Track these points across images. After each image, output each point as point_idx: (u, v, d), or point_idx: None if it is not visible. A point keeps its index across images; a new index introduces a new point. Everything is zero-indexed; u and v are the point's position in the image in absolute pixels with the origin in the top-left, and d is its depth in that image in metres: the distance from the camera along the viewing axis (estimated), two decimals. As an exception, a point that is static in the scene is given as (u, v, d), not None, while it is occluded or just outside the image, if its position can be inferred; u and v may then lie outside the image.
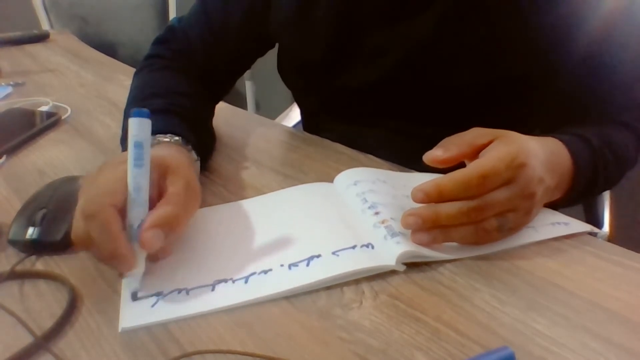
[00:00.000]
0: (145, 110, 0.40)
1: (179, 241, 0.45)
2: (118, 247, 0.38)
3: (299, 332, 0.36)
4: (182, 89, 0.64)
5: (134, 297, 0.39)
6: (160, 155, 0.44)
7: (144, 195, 0.40)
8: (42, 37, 1.32)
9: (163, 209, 0.40)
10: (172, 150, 0.49)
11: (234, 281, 0.41)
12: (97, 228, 0.38)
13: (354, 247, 0.43)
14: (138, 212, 0.40)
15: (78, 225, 0.39)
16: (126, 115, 0.62)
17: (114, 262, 0.39)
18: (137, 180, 0.40)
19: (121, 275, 0.41)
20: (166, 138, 0.51)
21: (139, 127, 0.40)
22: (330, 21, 0.63)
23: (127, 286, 0.40)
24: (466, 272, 0.42)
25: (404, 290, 0.40)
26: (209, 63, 0.70)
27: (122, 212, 0.40)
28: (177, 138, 0.52)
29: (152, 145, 0.46)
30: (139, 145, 0.40)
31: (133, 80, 0.70)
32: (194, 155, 0.54)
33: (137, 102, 0.61)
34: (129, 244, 0.39)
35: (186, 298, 0.40)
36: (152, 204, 0.41)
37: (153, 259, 0.42)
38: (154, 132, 0.51)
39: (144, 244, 0.39)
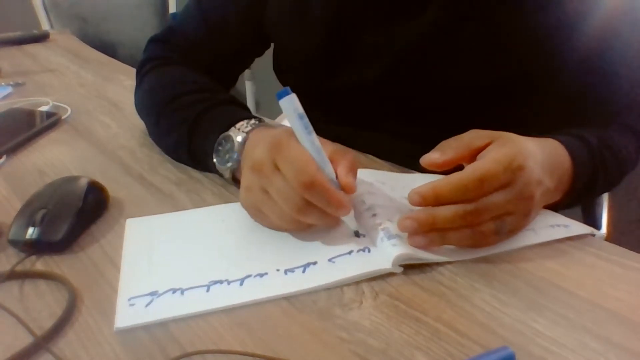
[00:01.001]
0: (287, 88, 0.44)
1: (175, 240, 0.46)
2: (340, 199, 0.42)
3: (299, 332, 0.36)
4: (209, 84, 0.66)
5: (358, 234, 0.45)
6: (280, 130, 0.47)
7: (325, 155, 0.45)
8: (42, 37, 1.32)
9: (344, 159, 0.46)
10: (271, 126, 0.53)
11: (229, 283, 0.41)
12: (318, 192, 0.41)
13: (350, 252, 0.44)
14: (328, 169, 0.45)
15: (297, 199, 0.42)
16: (170, 115, 0.62)
17: (337, 213, 0.43)
18: (316, 144, 0.44)
19: (337, 222, 0.46)
20: (254, 121, 0.54)
21: (293, 102, 0.44)
22: (326, 20, 0.63)
23: (349, 224, 0.46)
24: (466, 272, 0.42)
25: (404, 291, 0.40)
26: (210, 62, 0.70)
27: None
28: (257, 121, 0.55)
29: (252, 131, 0.52)
30: (302, 116, 0.44)
31: (143, 80, 0.69)
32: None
33: (181, 97, 0.62)
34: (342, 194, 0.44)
35: (181, 298, 0.40)
36: None
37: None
38: (237, 120, 0.54)
39: (350, 188, 0.44)
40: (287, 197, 0.42)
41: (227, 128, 0.54)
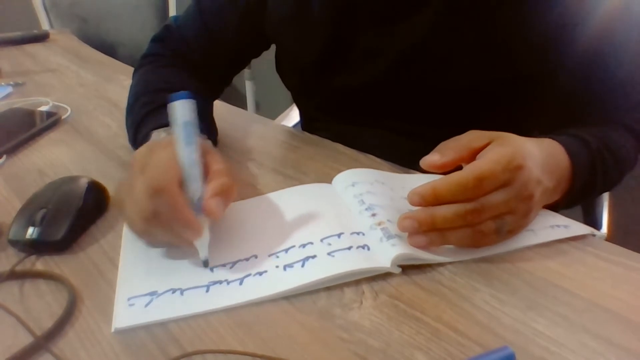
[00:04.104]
0: (185, 92, 0.42)
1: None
2: (187, 217, 0.40)
3: (299, 332, 0.37)
4: (186, 85, 0.65)
5: (207, 264, 0.42)
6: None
7: (199, 171, 0.43)
8: (42, 37, 1.32)
9: (218, 180, 0.43)
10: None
11: (228, 282, 0.41)
12: (165, 202, 0.40)
13: (349, 248, 0.43)
14: (196, 186, 0.42)
15: (144, 205, 0.41)
16: (131, 113, 0.63)
17: (182, 233, 0.41)
18: (191, 157, 0.42)
19: (189, 244, 0.42)
20: None
21: (184, 108, 0.42)
22: (325, 22, 0.63)
23: (200, 252, 0.42)
24: (466, 272, 0.42)
25: (404, 290, 0.40)
26: (205, 62, 0.71)
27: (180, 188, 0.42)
28: None
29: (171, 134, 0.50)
30: (187, 125, 0.42)
31: (133, 78, 0.71)
32: (209, 142, 0.55)
33: (143, 97, 0.63)
34: (194, 214, 0.41)
35: (180, 298, 0.40)
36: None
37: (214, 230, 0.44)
38: (167, 125, 0.53)
39: (209, 212, 0.41)
40: (138, 200, 0.41)
41: (155, 129, 0.55)
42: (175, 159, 0.42)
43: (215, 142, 0.66)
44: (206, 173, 0.44)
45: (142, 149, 0.45)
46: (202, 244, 0.42)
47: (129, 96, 0.67)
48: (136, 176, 0.42)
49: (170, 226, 0.41)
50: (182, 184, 0.42)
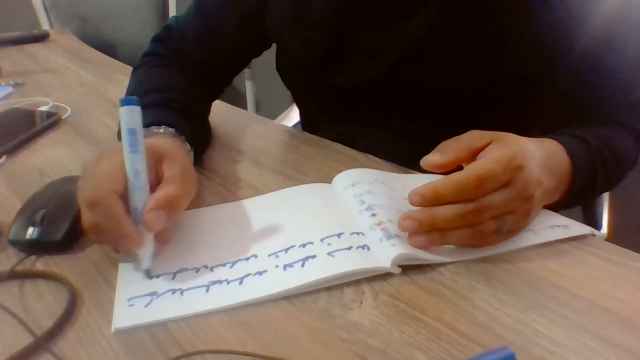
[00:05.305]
0: (134, 97, 0.42)
1: (174, 240, 0.46)
2: (123, 229, 0.39)
3: (299, 332, 0.36)
4: (178, 85, 0.65)
5: (149, 274, 0.42)
6: (155, 144, 0.46)
7: (143, 180, 0.42)
8: (42, 37, 1.32)
9: (163, 191, 0.42)
10: (165, 139, 0.51)
11: (228, 282, 0.41)
12: (101, 214, 0.39)
13: (349, 248, 0.43)
14: (140, 196, 0.41)
15: (84, 214, 0.41)
16: None
17: (122, 244, 0.41)
18: (135, 166, 0.41)
19: (133, 255, 0.42)
20: (160, 129, 0.53)
21: (130, 114, 0.41)
22: (326, 21, 0.63)
23: (140, 264, 0.42)
24: (466, 272, 0.42)
25: (404, 290, 0.40)
26: (205, 62, 0.71)
27: (124, 197, 0.41)
28: (170, 129, 0.53)
29: (147, 136, 0.49)
30: (132, 132, 0.41)
31: (131, 77, 0.71)
32: (187, 145, 0.55)
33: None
34: (133, 225, 0.40)
35: (180, 298, 0.40)
36: (151, 189, 0.43)
37: (161, 240, 0.44)
38: (148, 124, 0.53)
39: (147, 225, 0.40)
40: (83, 208, 0.41)
41: None
42: (122, 167, 0.42)
43: (206, 144, 0.66)
44: (160, 180, 0.44)
45: (98, 155, 0.44)
46: (144, 254, 0.41)
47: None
48: (81, 186, 0.42)
49: (112, 237, 0.41)
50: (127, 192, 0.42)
